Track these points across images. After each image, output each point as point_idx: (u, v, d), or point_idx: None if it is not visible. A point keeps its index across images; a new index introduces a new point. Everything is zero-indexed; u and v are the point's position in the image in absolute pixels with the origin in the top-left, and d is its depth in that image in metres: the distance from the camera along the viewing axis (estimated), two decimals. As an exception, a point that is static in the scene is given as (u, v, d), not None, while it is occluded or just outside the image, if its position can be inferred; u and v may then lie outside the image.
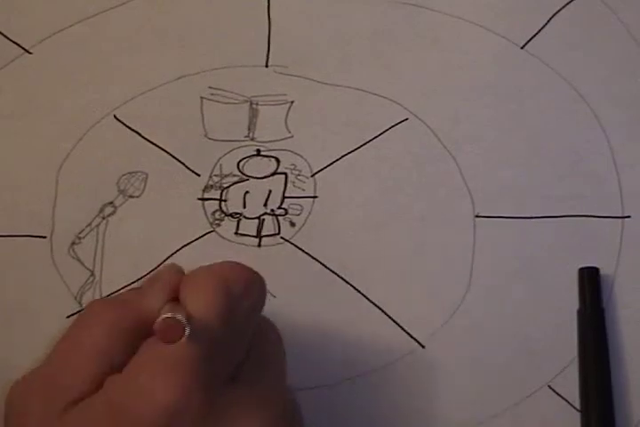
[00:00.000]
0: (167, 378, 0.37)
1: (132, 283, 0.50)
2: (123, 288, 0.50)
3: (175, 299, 0.40)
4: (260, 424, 0.38)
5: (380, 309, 0.50)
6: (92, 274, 0.50)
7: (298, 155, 0.52)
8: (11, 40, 0.53)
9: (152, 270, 0.50)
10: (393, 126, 0.52)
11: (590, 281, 0.49)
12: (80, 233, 0.51)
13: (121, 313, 0.39)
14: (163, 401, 0.36)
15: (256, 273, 0.41)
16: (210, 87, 0.52)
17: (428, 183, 0.51)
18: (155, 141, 0.52)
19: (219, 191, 0.51)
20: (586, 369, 0.48)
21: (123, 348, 0.39)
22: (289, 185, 0.51)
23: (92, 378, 0.38)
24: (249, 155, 0.52)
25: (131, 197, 0.51)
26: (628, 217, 0.50)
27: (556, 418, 0.49)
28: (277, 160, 0.52)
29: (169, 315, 0.36)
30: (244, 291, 0.40)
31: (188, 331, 0.36)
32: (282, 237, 0.51)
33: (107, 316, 0.39)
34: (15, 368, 0.49)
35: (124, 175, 0.51)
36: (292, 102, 0.52)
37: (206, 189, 0.51)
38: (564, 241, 0.50)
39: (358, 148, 0.52)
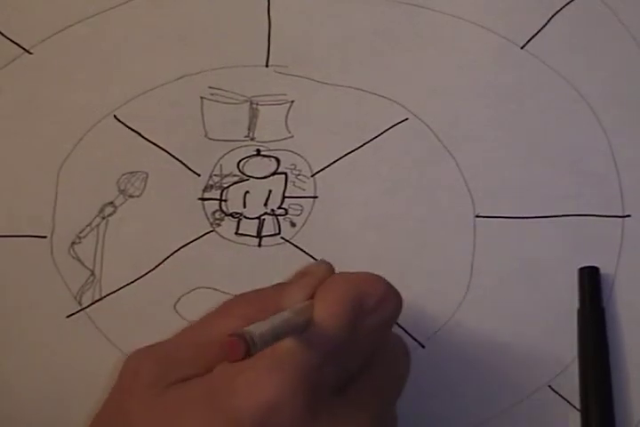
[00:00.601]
0: (272, 376, 0.37)
1: (132, 282, 0.50)
2: (122, 288, 0.50)
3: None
4: None
5: (381, 309, 0.50)
6: (93, 274, 0.50)
7: (298, 155, 0.52)
8: (11, 40, 0.53)
9: (152, 270, 0.50)
10: (393, 126, 0.52)
11: (590, 281, 0.49)
12: (80, 233, 0.51)
13: (258, 308, 0.40)
14: (261, 398, 0.37)
15: (392, 289, 0.41)
16: (210, 87, 0.52)
17: (427, 183, 0.51)
18: (155, 141, 0.52)
19: (219, 191, 0.51)
20: (586, 369, 0.48)
21: None
22: (289, 185, 0.51)
23: (207, 363, 0.39)
24: (249, 155, 0.52)
25: (131, 196, 0.51)
26: (629, 216, 0.50)
27: (556, 418, 0.49)
28: (277, 160, 0.52)
29: (234, 333, 0.35)
30: (375, 306, 0.40)
31: (252, 350, 0.35)
32: (282, 238, 0.51)
33: (245, 309, 0.40)
34: (15, 368, 0.50)
35: (124, 175, 0.52)
36: (292, 102, 0.52)
37: (206, 188, 0.51)
38: (563, 241, 0.50)
39: (358, 148, 0.52)
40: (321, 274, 0.41)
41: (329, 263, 0.43)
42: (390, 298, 0.41)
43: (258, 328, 0.36)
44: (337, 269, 0.50)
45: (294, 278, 0.42)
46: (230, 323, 0.39)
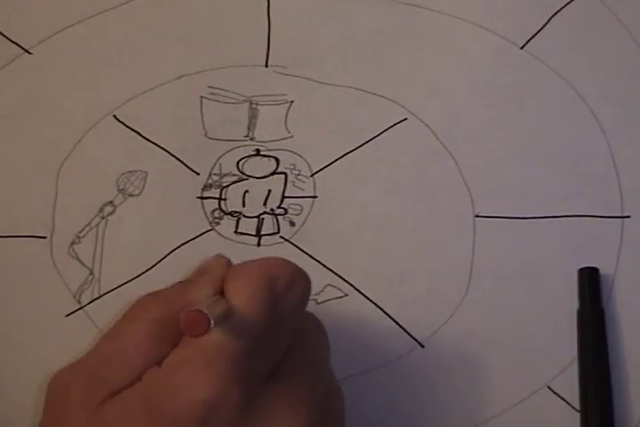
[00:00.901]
0: (205, 373, 0.37)
1: (131, 281, 0.50)
2: (121, 286, 0.50)
3: (221, 292, 0.40)
4: (294, 421, 0.38)
5: (381, 308, 0.50)
6: (92, 273, 0.50)
7: (297, 155, 0.52)
8: (11, 40, 0.53)
9: (151, 268, 0.50)
10: (392, 126, 0.52)
11: (590, 281, 0.49)
12: (80, 233, 0.51)
13: (165, 308, 0.40)
14: (199, 396, 0.36)
15: (301, 270, 0.41)
16: (210, 87, 0.53)
17: (427, 183, 0.51)
18: (154, 141, 0.52)
19: (218, 190, 0.51)
20: (586, 369, 0.48)
21: (165, 343, 0.39)
22: (288, 185, 0.51)
23: (133, 372, 0.39)
24: (248, 154, 0.52)
25: (130, 196, 0.51)
26: (628, 217, 0.50)
27: (556, 418, 0.49)
28: (277, 160, 0.52)
29: (194, 308, 0.36)
30: (287, 287, 0.40)
31: (212, 324, 0.36)
32: (281, 237, 0.51)
33: (151, 311, 0.40)
34: (15, 368, 0.50)
35: (123, 174, 0.52)
36: (292, 102, 0.52)
37: (206, 187, 0.51)
38: (563, 241, 0.50)
39: (358, 148, 0.52)
40: (220, 268, 0.41)
41: (226, 257, 0.42)
42: (299, 279, 0.40)
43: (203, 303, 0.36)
44: (336, 269, 0.50)
45: (194, 276, 0.41)
46: (141, 328, 0.39)
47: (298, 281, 0.40)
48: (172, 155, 0.52)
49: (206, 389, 0.36)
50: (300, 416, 0.39)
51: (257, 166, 0.52)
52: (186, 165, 0.52)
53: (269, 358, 0.40)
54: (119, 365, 0.39)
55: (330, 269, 0.50)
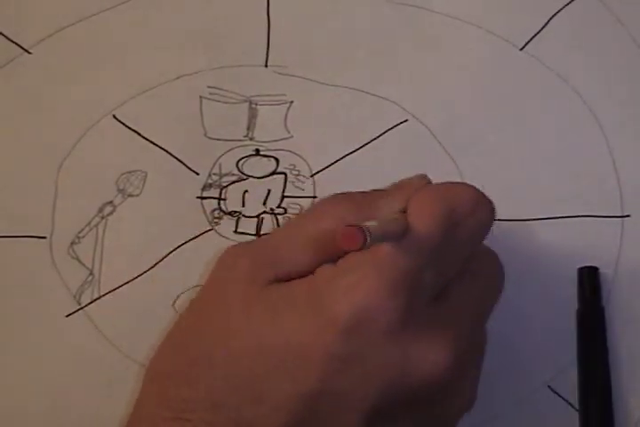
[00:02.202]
0: (374, 279, 0.38)
1: (131, 281, 0.50)
2: (121, 286, 0.50)
3: None
4: (444, 345, 0.39)
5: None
6: (92, 273, 0.50)
7: (297, 155, 0.52)
8: (11, 40, 0.53)
9: (151, 268, 0.50)
10: (392, 128, 0.52)
11: (590, 280, 0.49)
12: (80, 233, 0.51)
13: (353, 209, 0.40)
14: (361, 300, 0.37)
15: (484, 196, 0.42)
16: (209, 87, 0.52)
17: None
18: (154, 141, 0.52)
19: (218, 190, 0.51)
20: (585, 369, 0.48)
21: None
22: (288, 185, 0.51)
23: (309, 261, 0.40)
24: (248, 154, 0.52)
25: (130, 196, 0.51)
26: (628, 216, 0.50)
27: (556, 418, 0.49)
28: (277, 160, 0.52)
29: (354, 223, 0.36)
30: (469, 212, 0.40)
31: (369, 241, 0.35)
32: (281, 237, 0.51)
33: (340, 208, 0.41)
34: (15, 368, 0.50)
35: (123, 174, 0.52)
36: (292, 102, 0.52)
37: (205, 187, 0.51)
38: (563, 241, 0.50)
39: (358, 149, 0.52)
40: (415, 186, 0.42)
41: (427, 178, 0.43)
42: (482, 205, 0.41)
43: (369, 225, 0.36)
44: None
45: (391, 188, 0.43)
46: (325, 223, 0.40)
47: (480, 206, 0.41)
48: (171, 155, 0.52)
49: (368, 294, 0.37)
50: (452, 342, 0.39)
51: (256, 166, 0.52)
52: (185, 165, 0.52)
53: (438, 280, 0.40)
54: (297, 250, 0.40)
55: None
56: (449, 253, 0.40)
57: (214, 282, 0.41)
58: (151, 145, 0.52)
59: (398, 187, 0.43)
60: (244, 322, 0.39)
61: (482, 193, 0.42)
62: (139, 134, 0.52)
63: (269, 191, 0.51)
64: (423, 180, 0.43)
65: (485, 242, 0.49)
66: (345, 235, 0.35)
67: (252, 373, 0.39)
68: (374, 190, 0.43)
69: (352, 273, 0.38)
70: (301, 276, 0.40)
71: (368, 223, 0.36)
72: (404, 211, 0.40)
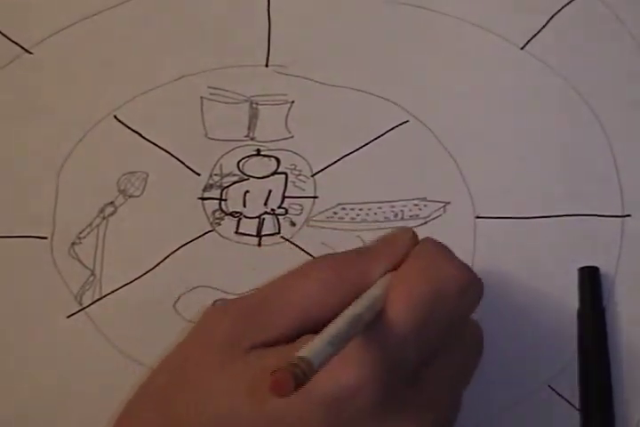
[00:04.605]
0: (357, 361, 0.37)
1: (132, 282, 0.50)
2: (122, 287, 0.50)
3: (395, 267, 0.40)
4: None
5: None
6: (93, 273, 0.50)
7: (298, 155, 0.52)
8: (11, 40, 0.53)
9: (152, 269, 0.50)
10: (393, 128, 0.52)
11: (590, 281, 0.49)
12: (80, 233, 0.51)
13: (341, 273, 0.40)
14: (344, 381, 0.37)
15: (475, 277, 0.41)
16: (210, 87, 0.52)
17: (428, 184, 0.51)
18: (155, 141, 0.52)
19: (219, 191, 0.51)
20: (586, 368, 0.48)
21: (330, 307, 0.38)
22: (289, 185, 0.51)
23: (292, 327, 0.39)
24: (249, 154, 0.52)
25: (131, 196, 0.51)
26: (629, 216, 0.50)
27: (556, 418, 0.49)
28: (277, 160, 0.52)
29: (284, 366, 0.33)
30: (457, 293, 0.40)
31: (305, 381, 0.33)
32: (282, 237, 0.51)
33: (327, 272, 0.40)
34: (15, 368, 0.50)
35: (124, 175, 0.52)
36: (292, 102, 0.52)
37: (206, 188, 0.51)
38: (564, 241, 0.50)
39: (359, 149, 0.52)
40: (406, 243, 0.41)
41: (411, 232, 0.42)
42: (472, 286, 0.40)
43: (313, 348, 0.34)
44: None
45: (376, 246, 0.42)
46: (308, 286, 0.39)
47: (469, 289, 0.40)
48: (172, 155, 0.52)
49: (352, 379, 0.37)
50: (431, 424, 0.39)
51: (257, 166, 0.52)
52: (186, 166, 0.52)
53: (421, 355, 0.39)
54: (281, 316, 0.39)
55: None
56: (432, 333, 0.39)
57: (193, 342, 0.40)
58: (152, 146, 0.52)
59: (386, 244, 0.42)
60: (221, 388, 0.38)
61: (473, 274, 0.41)
62: (140, 135, 0.52)
63: (270, 192, 0.51)
64: (408, 233, 0.42)
65: (485, 242, 0.50)
66: (275, 384, 0.33)
67: None
68: (362, 249, 0.42)
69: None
70: (284, 340, 0.39)
71: (313, 346, 0.34)
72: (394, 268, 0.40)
